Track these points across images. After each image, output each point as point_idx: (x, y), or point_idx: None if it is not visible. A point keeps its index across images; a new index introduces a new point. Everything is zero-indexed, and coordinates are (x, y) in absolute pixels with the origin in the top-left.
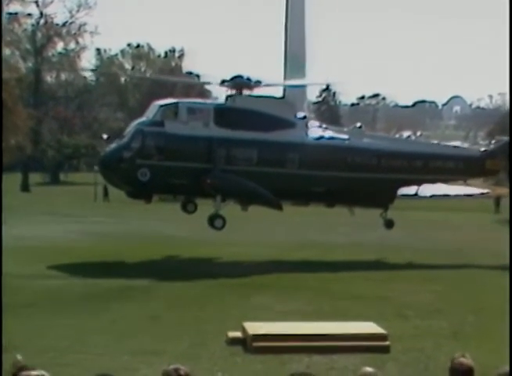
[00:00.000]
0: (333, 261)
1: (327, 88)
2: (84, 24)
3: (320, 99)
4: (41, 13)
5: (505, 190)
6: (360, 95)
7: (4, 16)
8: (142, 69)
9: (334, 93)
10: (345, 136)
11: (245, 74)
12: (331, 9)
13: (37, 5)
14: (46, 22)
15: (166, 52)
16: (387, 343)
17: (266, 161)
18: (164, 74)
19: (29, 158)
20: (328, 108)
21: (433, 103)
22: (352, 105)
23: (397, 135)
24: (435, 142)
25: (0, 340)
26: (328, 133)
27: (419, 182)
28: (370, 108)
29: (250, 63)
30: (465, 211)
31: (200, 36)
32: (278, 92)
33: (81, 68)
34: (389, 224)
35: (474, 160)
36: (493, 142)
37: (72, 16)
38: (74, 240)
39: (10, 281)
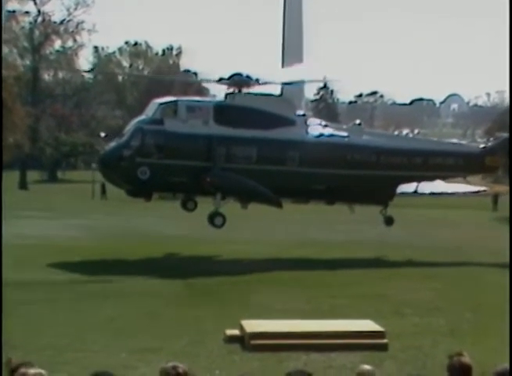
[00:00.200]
0: (332, 259)
1: (325, 86)
2: (82, 22)
3: (318, 96)
4: (39, 11)
5: (503, 188)
6: (358, 93)
7: (4, 15)
8: (140, 67)
9: (332, 91)
10: (345, 134)
11: (244, 72)
12: (329, 7)
13: (35, 3)
14: (44, 20)
15: (164, 50)
16: (385, 341)
17: (266, 159)
18: (161, 72)
19: (27, 156)
20: (326, 106)
21: (430, 100)
22: (350, 103)
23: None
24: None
25: (0, 339)
26: (328, 130)
27: (418, 179)
28: (368, 106)
29: (248, 61)
30: (463, 208)
31: (197, 34)
32: (275, 90)
33: (79, 68)
34: (389, 221)
35: (473, 157)
36: (491, 139)
37: (70, 14)
38: (73, 238)
39: (8, 279)
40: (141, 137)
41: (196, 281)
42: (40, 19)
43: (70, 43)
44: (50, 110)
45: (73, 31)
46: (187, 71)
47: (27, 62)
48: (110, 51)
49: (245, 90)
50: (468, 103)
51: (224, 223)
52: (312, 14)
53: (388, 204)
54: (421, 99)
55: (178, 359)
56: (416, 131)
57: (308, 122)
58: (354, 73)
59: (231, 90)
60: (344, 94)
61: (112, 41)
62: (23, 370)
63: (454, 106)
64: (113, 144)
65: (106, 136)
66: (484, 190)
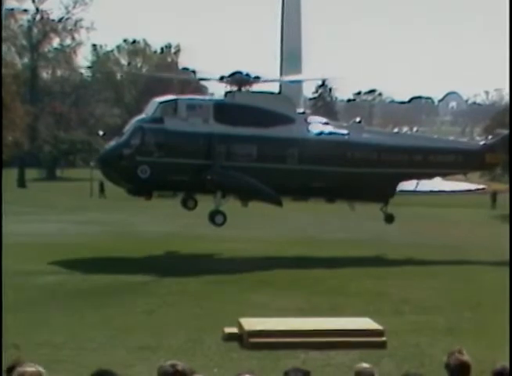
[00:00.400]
0: (331, 257)
1: (323, 84)
2: (81, 20)
3: (316, 94)
4: (37, 9)
5: (501, 186)
6: (356, 90)
7: (3, 15)
8: (139, 65)
9: (330, 89)
10: (345, 131)
11: (244, 70)
12: (327, 5)
13: (33, 1)
14: (42, 18)
15: (162, 48)
16: (383, 339)
17: (266, 157)
18: (160, 70)
19: (25, 154)
20: (324, 104)
21: (429, 98)
22: (348, 101)
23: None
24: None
25: (0, 338)
26: (328, 128)
27: (419, 177)
28: (366, 104)
29: (246, 58)
30: (461, 206)
31: (195, 32)
32: (274, 88)
33: (78, 66)
34: (389, 218)
35: (473, 154)
36: (489, 137)
37: (68, 12)
38: (71, 235)
39: (7, 277)
40: (141, 136)
41: (195, 280)
42: (38, 17)
43: (68, 41)
44: (48, 108)
45: (71, 29)
46: (185, 69)
47: (26, 60)
48: (109, 49)
49: (245, 88)
50: (467, 101)
51: (224, 221)
52: (311, 13)
53: (389, 202)
54: (420, 97)
55: (175, 357)
56: (414, 129)
57: (308, 120)
58: (352, 71)
59: (231, 88)
60: (343, 92)
61: (110, 39)
62: (21, 368)
63: (452, 104)
64: (113, 143)
65: (104, 134)
66: (483, 188)
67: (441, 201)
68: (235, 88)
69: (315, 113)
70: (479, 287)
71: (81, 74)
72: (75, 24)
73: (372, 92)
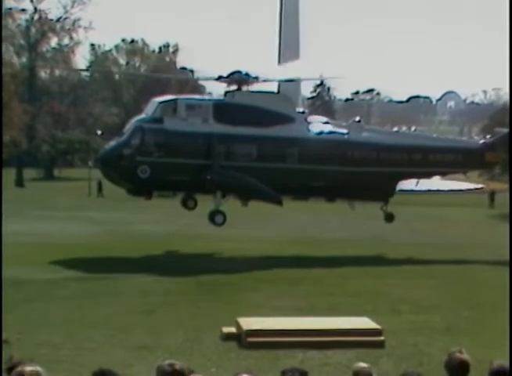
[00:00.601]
0: (329, 256)
1: (321, 83)
2: (79, 19)
3: (314, 94)
4: (35, 9)
5: (499, 185)
6: (354, 90)
7: (4, 15)
8: (137, 64)
9: (328, 88)
10: (344, 130)
11: (243, 70)
12: (325, 5)
13: (32, 1)
14: (40, 17)
15: (160, 48)
16: (381, 338)
17: (266, 157)
18: (158, 70)
19: (23, 153)
20: (322, 103)
21: (427, 98)
22: (347, 100)
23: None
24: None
25: (0, 337)
26: (328, 127)
27: (419, 175)
28: (364, 103)
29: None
30: (460, 206)
31: (193, 32)
32: (272, 88)
33: (76, 65)
34: (389, 217)
35: (473, 153)
36: (487, 136)
37: (66, 12)
38: (70, 235)
39: (5, 277)
40: (141, 136)
41: (193, 279)
42: (36, 16)
43: (66, 41)
44: (47, 107)
45: (69, 29)
46: (183, 69)
47: (24, 59)
48: (107, 48)
49: (244, 88)
50: (465, 101)
51: (224, 221)
52: (309, 12)
53: (389, 201)
54: (418, 97)
55: (174, 356)
56: (412, 128)
57: (308, 119)
58: (350, 70)
59: (230, 88)
60: (341, 91)
61: (108, 38)
62: (20, 367)
63: (451, 103)
64: (113, 143)
65: (102, 134)
66: (481, 188)
67: (439, 201)
68: (234, 88)
69: (313, 112)
70: (477, 287)
71: (79, 73)
72: (73, 24)
73: (370, 91)
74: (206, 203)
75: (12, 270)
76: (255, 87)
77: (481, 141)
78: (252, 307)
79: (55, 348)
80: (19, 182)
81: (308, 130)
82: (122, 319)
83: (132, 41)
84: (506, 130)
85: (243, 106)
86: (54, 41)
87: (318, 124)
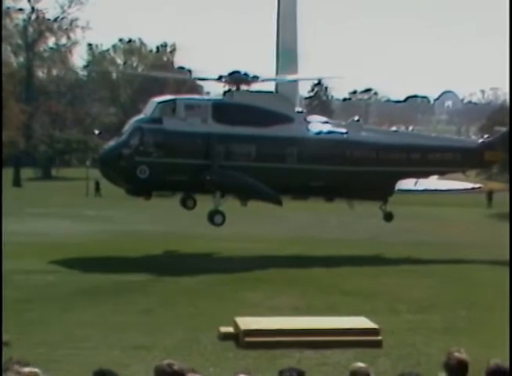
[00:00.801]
0: (327, 255)
1: (319, 83)
2: (76, 19)
3: (312, 93)
4: (33, 8)
5: (497, 185)
6: (352, 89)
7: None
8: (134, 64)
9: (326, 88)
10: (343, 130)
11: (242, 70)
12: (324, 4)
13: (29, 0)
14: (38, 17)
15: (158, 47)
16: (379, 338)
17: (265, 156)
18: (155, 69)
19: (21, 153)
20: (320, 103)
21: (425, 97)
22: (344, 100)
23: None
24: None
25: (0, 337)
26: (326, 127)
27: (418, 175)
28: (362, 103)
29: (242, 58)
30: (458, 205)
31: (190, 31)
32: (270, 87)
33: (73, 65)
34: (388, 217)
35: (472, 152)
36: (486, 136)
37: (64, 11)
38: (68, 234)
39: (4, 277)
40: (140, 136)
41: (192, 279)
42: (34, 16)
43: (63, 40)
44: (44, 107)
45: (67, 29)
46: (181, 68)
47: (21, 59)
48: (104, 48)
49: (243, 88)
50: (462, 100)
51: (224, 221)
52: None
53: (388, 200)
54: (415, 96)
55: (171, 356)
56: (410, 128)
57: (307, 119)
58: (348, 70)
59: (229, 88)
60: (339, 91)
61: (106, 38)
62: (17, 368)
63: (448, 103)
64: (112, 143)
65: (100, 133)
66: (479, 187)
67: (437, 200)
68: (233, 88)
69: (311, 112)
70: (475, 286)
71: (77, 73)
72: (71, 24)
73: (368, 91)
74: (205, 203)
75: (10, 270)
76: (255, 87)
77: (480, 140)
78: (250, 306)
79: (52, 348)
80: (17, 182)
81: (307, 130)
82: (120, 319)
83: (130, 40)
84: (505, 129)
85: (242, 106)
86: (51, 41)
87: (317, 124)
